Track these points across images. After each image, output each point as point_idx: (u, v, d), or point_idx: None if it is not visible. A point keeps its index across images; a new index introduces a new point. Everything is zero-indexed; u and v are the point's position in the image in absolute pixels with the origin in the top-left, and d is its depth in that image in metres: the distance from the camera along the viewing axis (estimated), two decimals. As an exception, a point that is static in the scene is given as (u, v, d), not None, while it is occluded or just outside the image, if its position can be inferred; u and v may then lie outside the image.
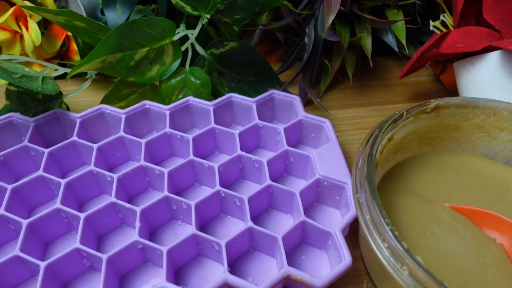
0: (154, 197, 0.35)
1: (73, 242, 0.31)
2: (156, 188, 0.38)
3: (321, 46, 0.45)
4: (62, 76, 0.49)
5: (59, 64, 0.53)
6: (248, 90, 0.46)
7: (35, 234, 0.33)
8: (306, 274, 0.28)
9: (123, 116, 0.40)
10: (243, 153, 0.37)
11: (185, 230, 0.35)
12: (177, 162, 0.37)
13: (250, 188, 0.38)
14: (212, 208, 0.35)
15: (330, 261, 0.33)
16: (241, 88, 0.46)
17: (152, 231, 0.35)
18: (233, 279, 0.28)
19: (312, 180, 0.35)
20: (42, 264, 0.29)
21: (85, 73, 0.47)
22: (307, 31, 0.46)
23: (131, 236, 0.32)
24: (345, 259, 0.29)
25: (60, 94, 0.42)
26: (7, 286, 0.31)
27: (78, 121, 0.39)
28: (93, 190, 0.37)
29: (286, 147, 0.37)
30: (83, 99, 0.48)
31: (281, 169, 0.39)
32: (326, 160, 0.36)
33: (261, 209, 0.36)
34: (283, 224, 0.36)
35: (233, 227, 0.36)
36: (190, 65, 0.45)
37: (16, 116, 0.40)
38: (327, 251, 0.34)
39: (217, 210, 0.36)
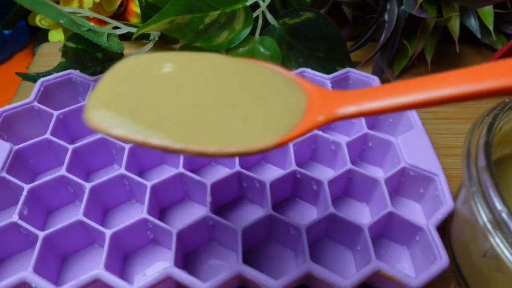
0: (219, 174, 0.32)
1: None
2: (220, 163, 0.35)
3: (402, 24, 0.41)
4: (122, 38, 0.46)
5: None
6: (316, 68, 0.43)
7: (96, 199, 0.30)
8: (399, 271, 0.25)
9: (189, 83, 0.37)
10: (320, 132, 0.34)
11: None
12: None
13: (321, 171, 0.35)
14: (284, 189, 0.32)
15: (413, 259, 0.30)
16: (309, 65, 0.43)
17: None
18: (316, 268, 0.25)
19: (397, 168, 0.31)
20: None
21: (146, 37, 0.44)
22: (388, 7, 0.42)
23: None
24: (442, 258, 0.26)
25: (121, 55, 0.40)
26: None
27: (141, 84, 0.37)
28: (157, 157, 0.34)
29: (366, 130, 0.34)
30: (140, 63, 0.45)
31: (355, 155, 0.36)
32: (413, 148, 0.32)
33: (335, 195, 0.33)
34: (358, 214, 0.33)
35: (304, 210, 0.33)
36: (259, 35, 0.41)
37: (75, 73, 0.37)
38: (409, 248, 0.30)
39: (288, 193, 0.33)
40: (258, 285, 0.25)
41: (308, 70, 0.38)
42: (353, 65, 0.42)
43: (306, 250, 0.26)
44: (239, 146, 0.17)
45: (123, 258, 0.29)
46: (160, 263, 0.29)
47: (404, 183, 0.33)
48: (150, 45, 0.40)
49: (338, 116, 0.18)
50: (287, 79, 0.20)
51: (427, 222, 0.28)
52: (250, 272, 0.25)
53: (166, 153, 0.34)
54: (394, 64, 0.45)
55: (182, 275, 0.25)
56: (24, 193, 0.29)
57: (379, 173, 0.35)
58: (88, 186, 0.30)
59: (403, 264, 0.30)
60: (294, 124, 0.18)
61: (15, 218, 0.27)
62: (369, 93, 0.18)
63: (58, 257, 0.29)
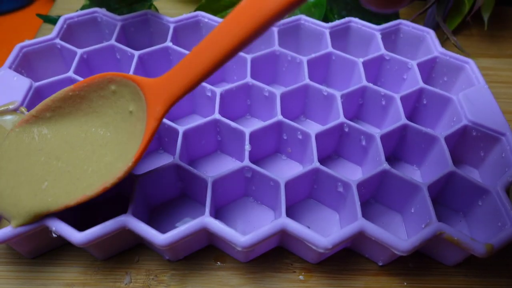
0: (257, 124, 0.29)
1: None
2: (255, 116, 0.32)
3: (461, -24, 0.37)
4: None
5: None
6: (360, 22, 0.39)
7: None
8: (466, 235, 0.22)
9: (224, 27, 0.33)
10: (370, 84, 0.30)
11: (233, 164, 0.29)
12: (282, 89, 0.31)
13: (369, 128, 0.32)
14: (328, 145, 0.29)
15: (470, 227, 0.27)
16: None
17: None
18: (369, 226, 0.22)
19: (457, 126, 0.28)
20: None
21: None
22: (446, -45, 0.37)
23: (228, 163, 0.27)
24: (513, 224, 0.23)
25: (150, -5, 0.36)
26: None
27: (172, 26, 0.33)
28: (188, 106, 0.31)
29: (422, 84, 0.30)
30: (168, 10, 0.42)
31: (406, 113, 0.32)
32: (477, 106, 0.29)
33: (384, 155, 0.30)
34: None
35: (347, 169, 0.30)
36: (301, -20, 0.38)
37: (101, 12, 0.34)
38: (465, 215, 0.27)
39: (331, 149, 0.30)
40: (306, 242, 0.22)
41: (356, 19, 0.35)
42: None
43: (358, 207, 0.23)
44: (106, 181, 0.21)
45: (149, 211, 0.27)
46: (188, 218, 0.27)
47: (462, 145, 0.29)
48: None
49: (172, 100, 0.20)
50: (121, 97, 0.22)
51: (496, 184, 0.25)
52: (296, 228, 0.22)
53: (197, 101, 0.31)
54: (445, 22, 0.41)
55: (219, 227, 0.22)
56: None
57: (449, 130, 0.31)
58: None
59: (459, 233, 0.27)
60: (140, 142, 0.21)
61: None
62: (185, 66, 0.19)
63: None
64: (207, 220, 0.22)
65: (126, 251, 0.25)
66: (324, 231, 0.26)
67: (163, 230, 0.22)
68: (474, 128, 0.28)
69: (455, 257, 0.25)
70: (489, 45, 0.41)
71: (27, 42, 0.31)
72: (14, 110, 0.27)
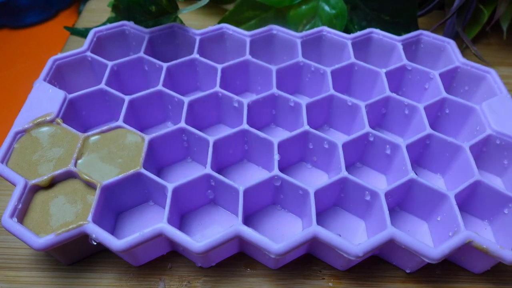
0: (284, 134, 0.30)
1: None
2: (280, 125, 0.33)
3: (480, -14, 0.38)
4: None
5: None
6: (379, 32, 0.40)
7: (151, 154, 0.28)
8: (494, 243, 0.23)
9: (248, 39, 0.34)
10: (393, 94, 0.31)
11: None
12: (306, 99, 0.32)
13: (392, 136, 0.32)
14: (354, 153, 0.30)
15: (496, 235, 0.27)
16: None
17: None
18: (400, 236, 0.23)
19: (481, 136, 0.28)
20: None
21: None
22: (464, -33, 0.38)
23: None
24: (541, 233, 0.23)
25: (175, 9, 0.37)
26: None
27: (197, 38, 0.34)
28: (214, 115, 0.32)
29: (444, 94, 0.31)
30: (192, 22, 0.43)
31: (429, 122, 0.32)
32: (500, 115, 0.29)
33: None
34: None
35: (371, 177, 0.30)
36: (322, -8, 0.38)
37: (129, 25, 0.35)
38: (491, 223, 0.28)
39: (355, 158, 0.30)
40: (337, 250, 0.22)
41: (377, 30, 0.35)
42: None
43: (387, 216, 0.24)
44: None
45: (180, 218, 0.27)
46: (217, 226, 0.27)
47: (486, 153, 0.29)
48: (206, 0, 0.37)
49: None
50: None
51: (522, 193, 0.25)
52: (328, 236, 0.22)
53: (224, 111, 0.32)
54: (465, 31, 0.41)
55: (252, 235, 0.23)
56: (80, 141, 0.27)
57: (473, 139, 0.31)
58: (146, 138, 0.28)
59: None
60: None
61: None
62: None
63: (113, 212, 0.27)
64: (241, 228, 0.23)
65: (159, 258, 0.26)
66: (351, 238, 0.27)
67: (193, 237, 0.23)
68: (498, 137, 0.28)
69: (482, 265, 0.25)
70: (508, 53, 0.41)
71: (59, 55, 0.32)
72: (51, 122, 0.28)
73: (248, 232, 0.23)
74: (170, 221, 0.24)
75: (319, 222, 0.27)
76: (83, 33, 0.41)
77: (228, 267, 0.26)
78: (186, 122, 0.29)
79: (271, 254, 0.22)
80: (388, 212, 0.24)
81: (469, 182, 0.26)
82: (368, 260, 0.26)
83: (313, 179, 0.30)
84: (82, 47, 0.33)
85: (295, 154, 0.30)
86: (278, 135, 0.30)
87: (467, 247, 0.23)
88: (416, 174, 0.26)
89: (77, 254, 0.25)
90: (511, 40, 0.43)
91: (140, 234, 0.22)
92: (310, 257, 0.26)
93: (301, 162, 0.31)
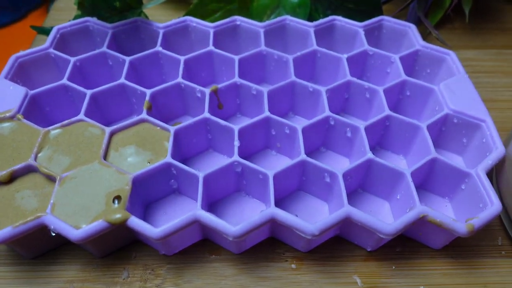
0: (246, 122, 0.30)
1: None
2: (245, 114, 0.33)
3: (440, -29, 0.38)
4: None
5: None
6: (345, 20, 0.40)
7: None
8: (448, 217, 0.23)
9: (212, 31, 0.35)
10: (354, 79, 0.31)
11: (281, 159, 0.30)
12: (269, 87, 0.32)
13: (356, 121, 0.33)
14: (316, 138, 0.30)
15: (456, 211, 0.27)
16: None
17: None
18: (355, 213, 0.23)
19: (439, 115, 0.29)
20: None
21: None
22: (424, -48, 0.39)
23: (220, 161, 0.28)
24: (493, 204, 0.24)
25: (140, 3, 0.37)
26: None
27: (161, 31, 0.35)
28: (179, 107, 0.32)
29: (404, 76, 0.31)
30: (158, 17, 0.43)
31: (391, 105, 0.33)
32: (456, 94, 0.30)
33: (370, 146, 0.30)
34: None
35: (335, 161, 0.31)
36: (285, -18, 0.39)
37: (92, 21, 0.35)
38: (451, 200, 0.28)
39: (319, 143, 0.31)
40: (294, 230, 0.23)
41: (339, 18, 0.36)
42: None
43: (344, 195, 0.24)
44: None
45: (144, 207, 0.28)
46: (182, 215, 0.27)
47: (445, 132, 0.30)
48: (169, -6, 0.37)
49: None
50: None
51: (476, 168, 0.26)
52: (285, 216, 0.23)
53: (188, 102, 0.32)
54: (427, 17, 0.42)
55: (210, 218, 0.23)
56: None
57: (430, 119, 0.32)
58: (107, 130, 0.28)
59: (445, 217, 0.28)
60: None
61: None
62: None
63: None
64: (199, 212, 0.23)
65: (123, 248, 0.26)
66: (315, 220, 0.27)
67: (157, 226, 0.23)
68: (455, 116, 0.29)
69: (440, 240, 0.26)
70: (472, 37, 0.42)
71: (22, 52, 0.32)
72: (11, 118, 0.28)
73: (206, 217, 0.23)
74: (131, 210, 0.24)
75: (284, 206, 0.28)
76: (49, 31, 0.41)
77: (193, 254, 0.26)
78: (150, 114, 0.29)
79: (229, 236, 0.22)
80: (345, 192, 0.25)
81: (426, 159, 0.26)
82: (330, 240, 0.27)
83: (278, 165, 0.30)
84: (44, 44, 0.33)
85: (259, 141, 0.30)
86: (241, 124, 0.30)
87: (424, 222, 0.24)
88: (380, 156, 0.27)
89: (39, 247, 0.25)
90: (474, 24, 0.43)
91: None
92: (273, 241, 0.27)
93: (266, 149, 0.31)
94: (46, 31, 0.42)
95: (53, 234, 0.23)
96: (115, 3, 0.37)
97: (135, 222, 0.23)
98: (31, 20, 0.49)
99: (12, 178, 0.25)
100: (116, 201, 0.24)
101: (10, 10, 0.48)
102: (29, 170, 0.26)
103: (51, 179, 0.25)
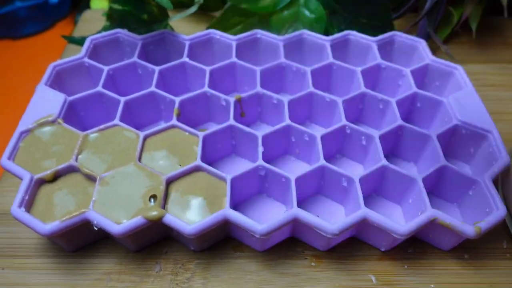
0: (268, 129, 0.32)
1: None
2: (265, 121, 0.36)
3: (449, -10, 0.41)
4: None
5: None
6: (358, 34, 0.42)
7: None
8: (456, 220, 0.25)
9: (234, 43, 0.37)
10: (368, 90, 0.33)
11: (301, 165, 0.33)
12: (288, 97, 0.34)
13: (369, 129, 0.35)
14: (333, 145, 0.32)
15: (464, 216, 0.29)
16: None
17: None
18: (372, 214, 0.25)
19: (448, 126, 0.31)
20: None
21: (187, 4, 0.44)
22: (434, -28, 0.41)
23: (243, 165, 0.30)
24: (499, 209, 0.26)
25: (166, 16, 0.40)
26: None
27: (187, 43, 0.37)
28: (204, 114, 0.35)
29: (415, 89, 0.34)
30: (182, 29, 0.45)
31: (403, 115, 0.35)
32: (464, 106, 0.32)
33: (384, 153, 0.33)
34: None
35: (350, 167, 0.33)
36: (303, -2, 0.41)
37: (123, 33, 0.38)
38: (459, 205, 0.30)
39: (335, 150, 0.33)
40: (316, 229, 0.25)
41: (354, 32, 0.38)
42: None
43: (361, 198, 0.26)
44: None
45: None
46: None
47: (454, 143, 0.32)
48: (195, 7, 0.40)
49: None
50: None
51: (483, 175, 0.28)
52: (307, 216, 0.25)
53: (213, 110, 0.34)
54: (437, 33, 0.44)
55: (239, 217, 0.25)
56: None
57: (440, 128, 0.34)
58: (141, 135, 0.30)
59: (453, 221, 0.30)
60: None
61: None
62: None
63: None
64: (228, 212, 0.25)
65: (156, 244, 0.28)
66: (333, 221, 0.29)
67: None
68: (464, 127, 0.31)
69: (449, 242, 0.28)
70: (478, 52, 0.44)
71: (59, 61, 0.34)
72: (53, 122, 0.30)
73: (235, 215, 0.25)
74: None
75: (303, 207, 0.30)
76: (80, 42, 0.44)
77: (218, 250, 0.28)
78: (179, 121, 0.32)
79: (256, 234, 0.25)
80: (362, 195, 0.27)
81: (436, 166, 0.28)
82: (347, 241, 0.29)
83: (297, 170, 0.32)
84: (79, 53, 0.35)
85: (279, 147, 0.33)
86: (264, 130, 0.32)
87: (434, 225, 0.26)
88: (392, 163, 0.29)
89: (79, 241, 0.27)
90: (481, 39, 0.46)
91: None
92: (294, 240, 0.29)
93: (285, 155, 0.34)
94: (76, 41, 0.44)
95: (96, 229, 0.25)
96: (143, 16, 0.40)
97: (171, 219, 0.25)
98: (58, 29, 0.52)
99: (55, 177, 0.27)
100: (152, 200, 0.26)
101: (39, 19, 0.51)
102: (71, 170, 0.28)
103: (91, 178, 0.27)
